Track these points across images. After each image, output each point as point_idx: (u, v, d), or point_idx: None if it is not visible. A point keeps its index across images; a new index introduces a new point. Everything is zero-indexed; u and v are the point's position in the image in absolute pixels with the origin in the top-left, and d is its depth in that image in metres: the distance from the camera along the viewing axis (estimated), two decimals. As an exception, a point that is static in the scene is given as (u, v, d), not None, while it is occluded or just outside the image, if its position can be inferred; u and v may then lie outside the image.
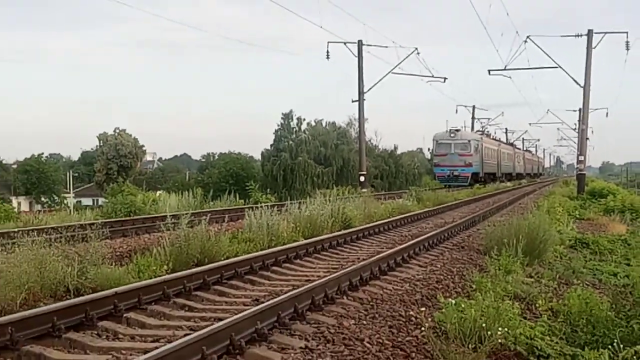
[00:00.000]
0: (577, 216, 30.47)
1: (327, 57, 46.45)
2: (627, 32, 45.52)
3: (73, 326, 8.22)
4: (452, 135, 66.37)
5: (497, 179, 76.60)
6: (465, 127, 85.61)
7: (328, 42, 48.06)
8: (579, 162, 50.75)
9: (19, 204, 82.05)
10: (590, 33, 45.25)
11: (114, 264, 11.98)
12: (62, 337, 7.86)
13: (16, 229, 16.14)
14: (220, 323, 7.69)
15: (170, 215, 15.15)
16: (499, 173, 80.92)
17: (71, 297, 9.84)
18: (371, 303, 10.11)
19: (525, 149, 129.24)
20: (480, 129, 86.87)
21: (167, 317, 9.25)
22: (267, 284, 11.84)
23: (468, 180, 63.51)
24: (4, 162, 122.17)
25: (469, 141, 66.72)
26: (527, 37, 45.92)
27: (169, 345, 6.79)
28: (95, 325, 8.43)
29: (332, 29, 48.71)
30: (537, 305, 10.83)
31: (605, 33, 45.44)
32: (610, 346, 8.50)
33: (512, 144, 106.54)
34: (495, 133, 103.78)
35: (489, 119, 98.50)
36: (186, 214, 14.68)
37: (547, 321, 9.75)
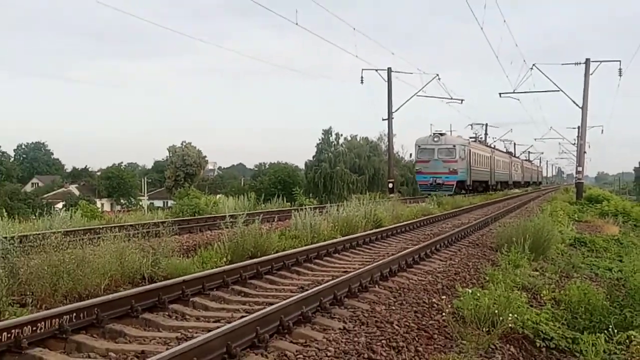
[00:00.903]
0: (576, 219, 30.13)
1: (362, 82, 46.55)
2: (619, 61, 45.37)
3: (148, 308, 8.27)
4: (435, 139, 50.04)
5: (489, 187, 61.71)
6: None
7: (362, 69, 48.35)
8: (577, 172, 50.54)
9: (102, 205, 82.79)
10: (587, 61, 44.73)
11: (181, 256, 12.06)
12: (139, 317, 7.92)
13: (100, 226, 16.33)
14: (272, 307, 7.70)
15: (228, 215, 15.19)
16: (492, 181, 63.77)
17: (146, 283, 9.93)
18: (399, 291, 10.08)
19: (525, 158, 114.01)
20: (473, 135, 69.20)
21: (226, 302, 9.28)
22: (311, 274, 11.84)
23: (452, 189, 48.45)
24: (90, 169, 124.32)
25: (454, 146, 50.20)
26: (533, 64, 45.53)
27: (228, 325, 6.80)
28: (167, 307, 8.48)
29: (366, 57, 49.14)
30: (542, 295, 10.74)
31: (601, 62, 44.92)
32: (605, 331, 8.46)
33: (509, 153, 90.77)
34: (505, 147, 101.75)
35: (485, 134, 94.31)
36: (242, 214, 14.73)
37: (551, 309, 9.70)
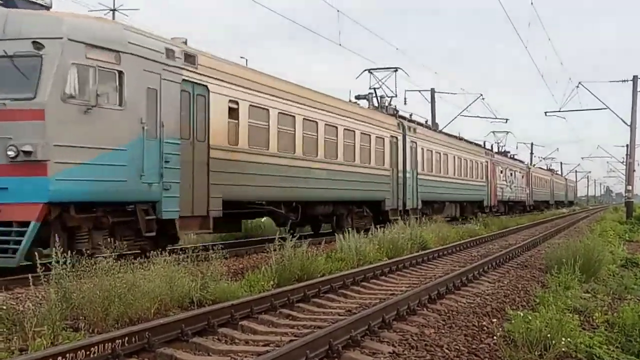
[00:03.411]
0: (627, 239, 29.46)
1: (405, 103, 45.96)
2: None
3: (198, 332, 8.33)
4: None
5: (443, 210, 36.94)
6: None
7: (405, 90, 48.11)
8: (627, 190, 49.45)
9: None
10: (635, 78, 44.10)
11: (229, 279, 12.11)
12: (189, 341, 7.98)
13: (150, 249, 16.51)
14: (321, 331, 7.71)
15: (277, 238, 15.23)
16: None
17: (195, 307, 9.98)
18: (448, 314, 9.99)
19: (548, 168, 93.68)
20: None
21: (274, 325, 9.29)
22: (358, 297, 11.81)
23: None
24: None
25: None
26: (579, 82, 45.17)
27: (277, 350, 6.83)
28: (216, 331, 8.53)
29: (409, 77, 48.82)
30: (594, 317, 10.52)
31: (650, 78, 44.23)
32: (662, 355, 8.26)
33: (516, 159, 66.87)
34: (550, 166, 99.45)
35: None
36: (288, 237, 14.76)
37: (604, 332, 9.49)
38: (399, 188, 29.05)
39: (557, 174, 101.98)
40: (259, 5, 38.95)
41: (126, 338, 7.31)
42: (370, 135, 26.46)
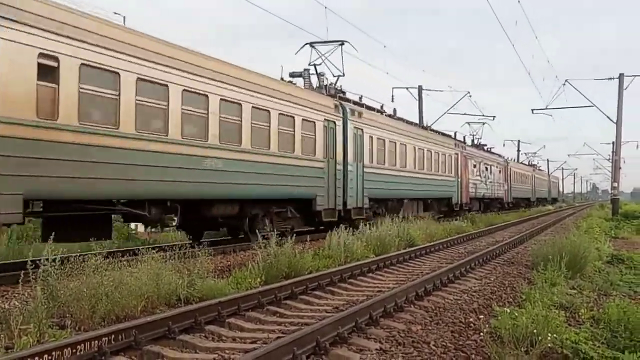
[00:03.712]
0: (612, 235, 29.60)
1: (392, 100, 46.06)
2: (654, 75, 44.70)
3: (185, 329, 8.32)
4: None
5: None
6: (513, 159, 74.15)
7: (393, 87, 48.13)
8: (612, 188, 49.76)
9: (137, 226, 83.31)
10: (621, 76, 44.42)
11: (216, 277, 12.10)
12: (176, 339, 7.97)
13: (136, 247, 16.45)
14: (308, 328, 7.73)
15: (261, 236, 15.21)
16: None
17: (182, 305, 9.96)
18: (435, 311, 10.02)
19: (529, 163, 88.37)
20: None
21: (262, 322, 9.29)
22: (345, 294, 11.82)
23: None
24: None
25: None
26: (566, 80, 45.48)
27: (265, 347, 6.83)
28: (203, 328, 8.53)
29: (397, 75, 48.85)
30: (580, 313, 10.57)
31: (635, 76, 44.59)
32: (647, 350, 8.29)
33: (493, 153, 60.75)
34: (538, 164, 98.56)
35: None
36: (274, 234, 14.74)
37: (590, 328, 9.54)
38: (337, 183, 24.08)
39: (539, 169, 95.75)
40: (255, 5, 37.19)
41: (113, 336, 7.30)
42: (294, 117, 21.32)
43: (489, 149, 60.02)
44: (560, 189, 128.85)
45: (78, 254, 9.80)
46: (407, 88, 47.57)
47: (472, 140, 56.73)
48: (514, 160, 70.28)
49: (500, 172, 56.78)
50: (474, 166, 47.96)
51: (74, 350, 6.75)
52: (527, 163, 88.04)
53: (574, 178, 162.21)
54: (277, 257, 13.08)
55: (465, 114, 55.02)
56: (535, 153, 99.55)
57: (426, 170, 35.65)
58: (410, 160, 32.90)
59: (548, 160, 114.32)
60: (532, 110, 51.99)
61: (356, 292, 12.10)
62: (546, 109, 49.59)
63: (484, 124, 58.71)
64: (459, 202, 42.16)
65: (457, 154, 42.50)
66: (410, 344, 7.85)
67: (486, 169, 51.25)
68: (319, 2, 25.45)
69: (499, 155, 61.97)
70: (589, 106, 46.76)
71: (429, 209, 36.91)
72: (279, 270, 12.86)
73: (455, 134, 46.88)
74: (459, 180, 42.34)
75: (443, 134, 42.51)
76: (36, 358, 6.34)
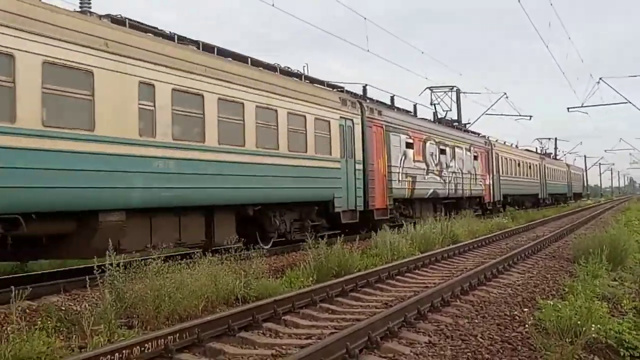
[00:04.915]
0: (652, 227, 29.05)
1: (431, 103, 45.45)
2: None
3: (244, 327, 8.42)
4: None
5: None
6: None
7: (431, 89, 47.54)
8: (650, 181, 48.69)
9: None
10: (655, 72, 43.44)
11: (270, 277, 12.20)
12: (236, 336, 8.08)
13: (193, 251, 16.59)
14: (360, 323, 7.76)
15: (311, 238, 15.26)
16: None
17: (240, 304, 10.07)
18: (480, 305, 9.96)
19: (543, 152, 67.11)
20: None
21: (315, 319, 9.35)
22: (393, 291, 11.81)
23: None
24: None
25: None
26: (600, 78, 44.42)
27: (320, 342, 6.90)
28: (261, 325, 8.62)
29: (436, 79, 48.34)
30: (623, 304, 10.41)
31: (669, 71, 43.39)
32: (688, 338, 8.16)
33: (471, 132, 41.11)
34: (575, 160, 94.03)
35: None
36: (324, 236, 14.83)
37: (633, 318, 9.38)
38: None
39: (556, 158, 73.90)
40: (291, 15, 37.14)
41: (177, 334, 7.44)
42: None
43: (464, 128, 40.28)
44: (586, 182, 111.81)
45: (140, 258, 9.96)
46: (445, 92, 47.00)
47: (435, 116, 39.08)
48: (515, 146, 51.06)
49: (477, 158, 36.61)
50: (408, 147, 26.24)
51: (142, 349, 6.90)
52: (535, 150, 65.50)
53: (612, 173, 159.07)
54: (327, 257, 13.14)
55: (502, 114, 54.01)
56: (573, 151, 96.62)
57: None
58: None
59: (585, 157, 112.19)
60: (568, 108, 50.98)
61: (404, 288, 12.09)
62: (582, 107, 48.67)
63: (452, 87, 41.58)
64: (350, 209, 21.07)
65: (348, 120, 21.30)
66: (457, 336, 7.83)
67: (441, 152, 30.66)
68: (359, 13, 25.32)
69: (482, 136, 41.45)
70: (624, 103, 45.87)
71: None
72: (329, 269, 12.92)
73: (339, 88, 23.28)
74: (342, 171, 20.58)
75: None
76: (108, 356, 6.50)
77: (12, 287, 8.68)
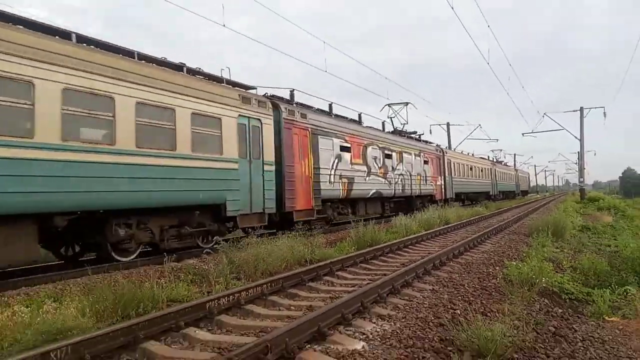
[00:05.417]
0: (581, 212, 28.07)
1: (430, 132, 43.99)
2: (603, 107, 42.57)
3: (311, 279, 8.42)
4: None
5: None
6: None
7: (430, 125, 46.62)
8: (579, 181, 47.48)
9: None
10: (581, 109, 42.06)
11: (326, 247, 12.20)
12: (305, 285, 8.08)
13: (272, 231, 16.71)
14: (386, 277, 7.68)
15: (353, 221, 15.19)
16: None
17: (308, 265, 10.07)
18: (466, 265, 9.75)
19: (495, 160, 55.05)
20: None
21: (357, 274, 9.26)
22: (407, 256, 11.61)
23: None
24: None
25: None
26: (544, 113, 43.91)
27: (361, 289, 6.85)
28: (322, 278, 8.62)
29: (430, 115, 47.70)
30: (563, 264, 10.13)
31: (590, 109, 42.10)
32: (609, 287, 7.94)
33: (423, 141, 29.31)
34: (527, 168, 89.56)
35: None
36: (360, 220, 14.70)
37: (570, 273, 9.17)
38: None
39: (505, 165, 62.40)
40: (333, 76, 36.88)
41: (269, 284, 7.50)
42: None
43: (417, 137, 29.26)
44: (536, 182, 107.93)
45: (241, 237, 10.06)
46: (439, 125, 46.26)
47: (391, 126, 27.79)
48: (502, 163, 45.79)
49: (428, 163, 28.50)
50: (342, 150, 18.33)
51: (247, 293, 6.98)
52: (487, 158, 53.03)
53: (553, 176, 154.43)
54: (364, 234, 13.06)
55: (477, 138, 52.14)
56: (526, 162, 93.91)
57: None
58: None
59: (535, 166, 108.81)
60: (523, 134, 49.67)
61: (415, 254, 11.90)
62: (532, 132, 47.63)
63: (406, 104, 28.42)
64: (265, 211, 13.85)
65: (263, 119, 13.91)
66: (452, 285, 7.69)
67: (387, 157, 22.46)
68: (380, 74, 24.84)
69: (436, 145, 32.02)
70: (560, 129, 44.40)
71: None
72: (365, 241, 12.83)
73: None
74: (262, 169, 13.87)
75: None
76: (226, 297, 6.59)
77: (165, 254, 8.90)
